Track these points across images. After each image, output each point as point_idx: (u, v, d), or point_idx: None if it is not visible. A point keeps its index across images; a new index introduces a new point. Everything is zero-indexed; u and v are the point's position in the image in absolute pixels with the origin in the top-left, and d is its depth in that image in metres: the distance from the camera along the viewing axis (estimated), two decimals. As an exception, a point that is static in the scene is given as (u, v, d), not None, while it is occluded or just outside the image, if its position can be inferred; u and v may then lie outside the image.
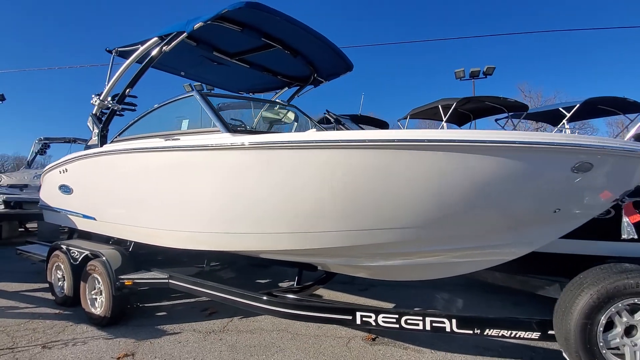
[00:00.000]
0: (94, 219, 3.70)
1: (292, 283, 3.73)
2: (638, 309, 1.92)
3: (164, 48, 3.14)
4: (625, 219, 2.25)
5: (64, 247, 3.81)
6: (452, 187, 2.04)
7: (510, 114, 9.92)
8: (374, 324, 2.35)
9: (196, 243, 2.86)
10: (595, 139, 1.92)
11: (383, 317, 2.33)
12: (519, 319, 2.19)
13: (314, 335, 3.22)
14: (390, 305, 4.05)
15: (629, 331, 1.95)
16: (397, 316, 2.32)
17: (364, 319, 2.36)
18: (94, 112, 3.55)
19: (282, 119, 3.59)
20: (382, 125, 10.44)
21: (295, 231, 2.44)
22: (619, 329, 1.93)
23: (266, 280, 5.05)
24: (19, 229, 9.76)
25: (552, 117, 9.83)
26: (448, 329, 2.23)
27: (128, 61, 3.38)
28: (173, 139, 2.79)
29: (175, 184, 2.78)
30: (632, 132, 6.79)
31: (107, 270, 3.27)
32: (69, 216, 4.06)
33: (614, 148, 1.92)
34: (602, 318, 1.89)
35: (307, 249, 2.54)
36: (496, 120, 10.80)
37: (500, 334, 2.16)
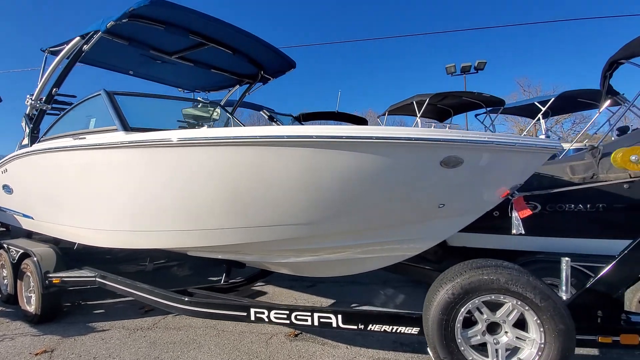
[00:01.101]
0: (32, 218, 3.75)
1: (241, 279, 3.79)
2: (500, 305, 1.91)
3: (84, 47, 3.16)
4: (514, 214, 2.23)
5: (5, 245, 3.86)
6: (326, 183, 2.03)
7: (488, 109, 9.84)
8: (267, 319, 2.36)
9: (111, 242, 2.89)
10: (462, 134, 1.90)
11: (275, 313, 2.34)
12: (399, 314, 2.18)
13: (240, 332, 3.24)
14: (329, 302, 4.07)
15: (493, 328, 1.93)
16: (287, 312, 2.33)
17: (257, 315, 2.38)
18: (26, 113, 3.59)
19: (211, 117, 3.61)
20: (360, 121, 10.40)
21: (193, 229, 2.45)
22: (479, 326, 1.92)
23: (217, 278, 5.08)
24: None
25: (528, 112, 9.74)
26: (334, 325, 2.23)
27: (55, 61, 3.41)
28: (79, 138, 2.82)
29: (84, 183, 2.81)
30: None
31: (36, 268, 3.32)
32: (14, 216, 4.12)
33: (479, 142, 1.90)
34: (460, 314, 1.88)
35: (210, 246, 2.55)
36: (476, 115, 10.73)
37: (382, 329, 2.16)
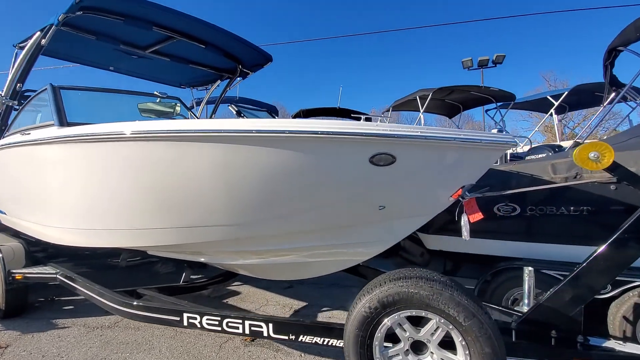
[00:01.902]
0: (5, 213, 3.78)
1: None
2: (426, 322, 1.67)
3: (42, 41, 3.12)
4: (463, 217, 1.98)
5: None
6: (246, 182, 1.86)
7: (498, 103, 9.34)
8: (199, 325, 2.22)
9: (61, 240, 2.84)
10: (391, 128, 1.67)
11: (207, 319, 2.20)
12: (331, 326, 1.98)
13: (197, 335, 3.13)
14: (301, 304, 3.91)
15: (420, 348, 1.70)
16: (219, 319, 2.18)
17: (190, 320, 2.24)
18: (-5, 109, 3.61)
19: (174, 112, 3.52)
20: (360, 119, 10.19)
21: (124, 228, 2.35)
22: (402, 345, 1.69)
23: (198, 276, 5.02)
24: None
25: (541, 106, 9.16)
26: (265, 334, 2.06)
27: (21, 56, 3.39)
28: (25, 134, 2.77)
29: (32, 179, 2.76)
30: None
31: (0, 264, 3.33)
32: (-7, 211, 4.18)
33: (411, 137, 1.66)
34: (378, 331, 1.66)
35: (147, 246, 2.44)
36: (486, 111, 10.23)
37: (314, 341, 1.97)
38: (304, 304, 3.91)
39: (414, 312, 1.63)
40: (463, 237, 1.96)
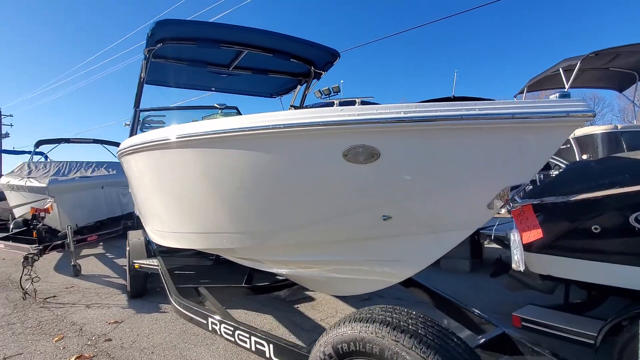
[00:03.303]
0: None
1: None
2: None
3: (142, 74, 3.79)
4: (512, 235, 1.30)
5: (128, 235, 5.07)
6: (229, 186, 1.70)
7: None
8: (219, 332, 2.19)
9: (157, 240, 3.34)
10: (361, 110, 1.22)
11: (224, 327, 2.14)
12: None
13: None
14: None
15: None
16: (232, 329, 2.09)
17: (212, 325, 2.23)
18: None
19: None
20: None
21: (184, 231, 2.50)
22: None
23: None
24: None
25: None
26: (267, 355, 1.85)
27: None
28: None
29: (133, 183, 3.36)
30: None
31: (128, 255, 4.23)
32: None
33: (388, 120, 1.15)
34: None
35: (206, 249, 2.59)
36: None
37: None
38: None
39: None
40: (514, 265, 1.30)
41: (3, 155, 24.74)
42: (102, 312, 3.94)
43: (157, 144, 1.99)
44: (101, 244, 8.07)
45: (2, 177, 8.21)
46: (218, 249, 2.53)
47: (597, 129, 6.19)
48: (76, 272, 5.45)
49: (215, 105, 3.57)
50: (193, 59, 4.23)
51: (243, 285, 3.37)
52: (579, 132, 6.45)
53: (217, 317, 2.21)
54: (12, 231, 7.22)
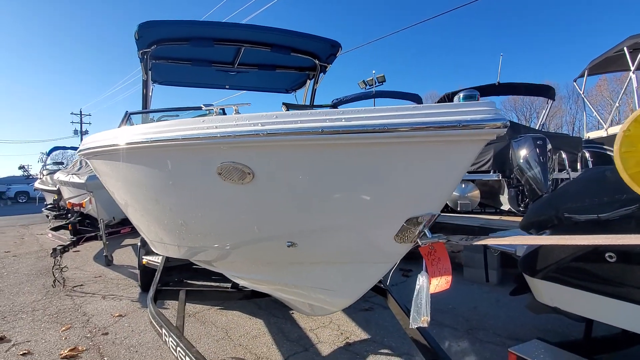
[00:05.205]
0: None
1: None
2: None
3: (143, 76, 3.86)
4: (420, 282, 0.99)
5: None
6: (137, 196, 1.57)
7: None
8: (167, 344, 2.12)
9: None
10: (220, 121, 0.99)
11: (171, 340, 2.06)
12: None
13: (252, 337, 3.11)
14: (362, 336, 3.22)
15: None
16: (175, 344, 1.99)
17: (164, 337, 2.17)
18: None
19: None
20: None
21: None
22: None
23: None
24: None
25: None
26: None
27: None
28: None
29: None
30: None
31: (137, 251, 4.40)
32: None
33: (249, 133, 0.91)
34: None
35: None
36: None
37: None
38: (366, 337, 3.21)
39: None
40: (411, 322, 1.00)
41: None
42: (113, 304, 4.16)
43: (90, 152, 1.95)
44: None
45: (57, 172, 9.19)
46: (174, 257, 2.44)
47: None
48: (108, 262, 5.88)
49: (202, 106, 3.51)
50: (195, 59, 4.23)
51: (230, 289, 3.30)
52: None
53: (166, 329, 2.15)
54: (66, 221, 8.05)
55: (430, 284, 1.01)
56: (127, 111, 3.54)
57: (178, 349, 1.97)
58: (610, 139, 6.21)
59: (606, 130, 6.83)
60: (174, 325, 2.24)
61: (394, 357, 2.85)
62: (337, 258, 1.30)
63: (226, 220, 1.33)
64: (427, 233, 1.03)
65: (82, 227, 7.08)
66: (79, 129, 35.43)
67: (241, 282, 2.23)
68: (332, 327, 3.41)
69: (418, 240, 1.04)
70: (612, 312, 1.69)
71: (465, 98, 0.85)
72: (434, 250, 1.04)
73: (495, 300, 4.09)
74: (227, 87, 5.43)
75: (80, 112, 36.60)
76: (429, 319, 1.00)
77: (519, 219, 6.17)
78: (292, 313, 3.78)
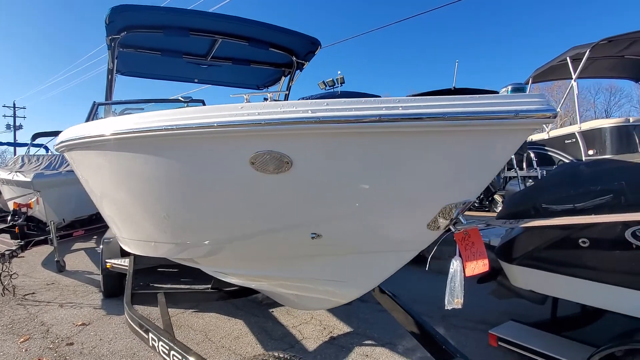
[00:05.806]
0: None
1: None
2: None
3: (109, 65, 3.59)
4: (453, 264, 1.06)
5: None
6: (140, 191, 1.49)
7: None
8: (157, 349, 2.02)
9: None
10: (267, 108, 0.98)
11: (161, 344, 1.97)
12: None
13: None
14: (345, 329, 3.29)
15: None
16: (168, 348, 1.91)
17: (152, 342, 2.06)
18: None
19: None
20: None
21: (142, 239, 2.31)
22: None
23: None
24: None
25: None
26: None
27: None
28: None
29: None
30: None
31: (100, 254, 4.10)
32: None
33: (299, 120, 0.91)
34: None
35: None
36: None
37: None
38: (349, 330, 3.28)
39: None
40: (447, 304, 1.07)
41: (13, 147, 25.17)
42: (73, 313, 3.83)
43: (74, 143, 1.79)
44: (95, 237, 8.04)
45: None
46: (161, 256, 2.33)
47: (605, 123, 5.77)
48: (60, 268, 5.38)
49: (180, 98, 3.35)
50: (166, 49, 4.02)
51: (210, 289, 3.20)
52: (585, 125, 6.05)
53: (154, 334, 2.04)
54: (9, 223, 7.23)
55: (467, 268, 1.09)
56: (94, 102, 3.27)
57: (172, 352, 1.88)
58: (551, 141, 6.90)
59: (547, 133, 7.55)
60: (162, 328, 2.12)
61: (378, 347, 2.94)
62: (362, 248, 1.32)
63: (250, 212, 1.28)
64: (461, 219, 1.09)
65: (27, 230, 6.39)
66: (11, 124, 31.82)
67: (233, 280, 2.17)
68: (315, 323, 3.44)
69: (451, 226, 1.10)
70: (586, 292, 1.90)
71: (514, 90, 0.92)
72: (468, 236, 1.11)
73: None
74: (195, 80, 5.21)
75: (14, 104, 32.91)
76: (462, 301, 1.07)
77: (478, 214, 6.62)
78: (272, 311, 3.75)
